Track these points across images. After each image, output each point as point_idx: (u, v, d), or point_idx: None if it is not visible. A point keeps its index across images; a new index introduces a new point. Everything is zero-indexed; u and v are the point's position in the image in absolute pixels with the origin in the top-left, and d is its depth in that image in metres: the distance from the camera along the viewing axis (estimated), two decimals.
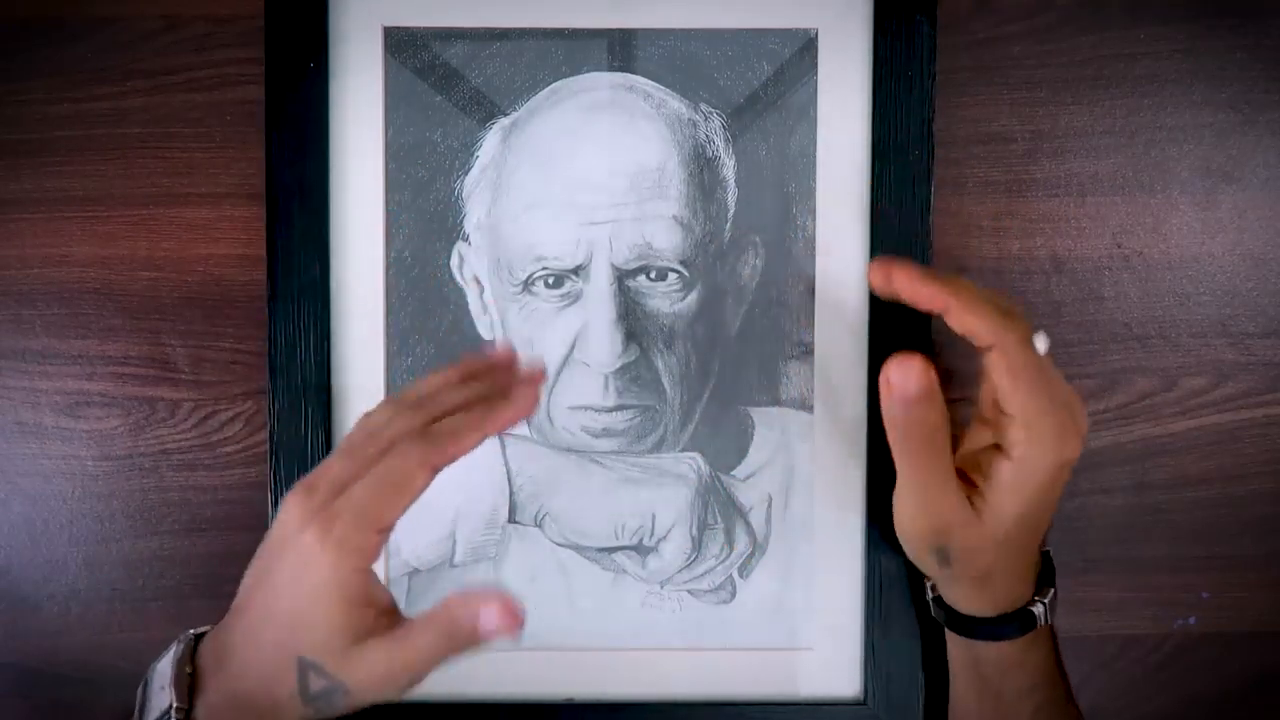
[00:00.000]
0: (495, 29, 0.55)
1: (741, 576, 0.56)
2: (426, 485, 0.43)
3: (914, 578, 0.55)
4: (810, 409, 0.56)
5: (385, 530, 0.43)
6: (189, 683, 0.44)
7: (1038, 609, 0.48)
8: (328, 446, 0.55)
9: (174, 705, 0.44)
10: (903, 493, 0.47)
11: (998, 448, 0.45)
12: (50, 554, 0.59)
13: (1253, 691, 0.61)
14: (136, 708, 0.46)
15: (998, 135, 0.57)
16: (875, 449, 0.55)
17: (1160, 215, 0.58)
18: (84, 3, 0.56)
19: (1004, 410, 0.44)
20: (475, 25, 0.55)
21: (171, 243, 0.57)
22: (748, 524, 0.56)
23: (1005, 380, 0.43)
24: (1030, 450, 0.44)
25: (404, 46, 0.55)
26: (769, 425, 0.56)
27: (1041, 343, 0.45)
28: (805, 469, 0.56)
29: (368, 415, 0.45)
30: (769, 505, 0.56)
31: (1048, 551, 0.51)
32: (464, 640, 0.43)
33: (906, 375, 0.43)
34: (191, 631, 0.46)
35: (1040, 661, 0.50)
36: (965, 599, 0.50)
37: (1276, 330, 0.58)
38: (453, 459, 0.43)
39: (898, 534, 0.49)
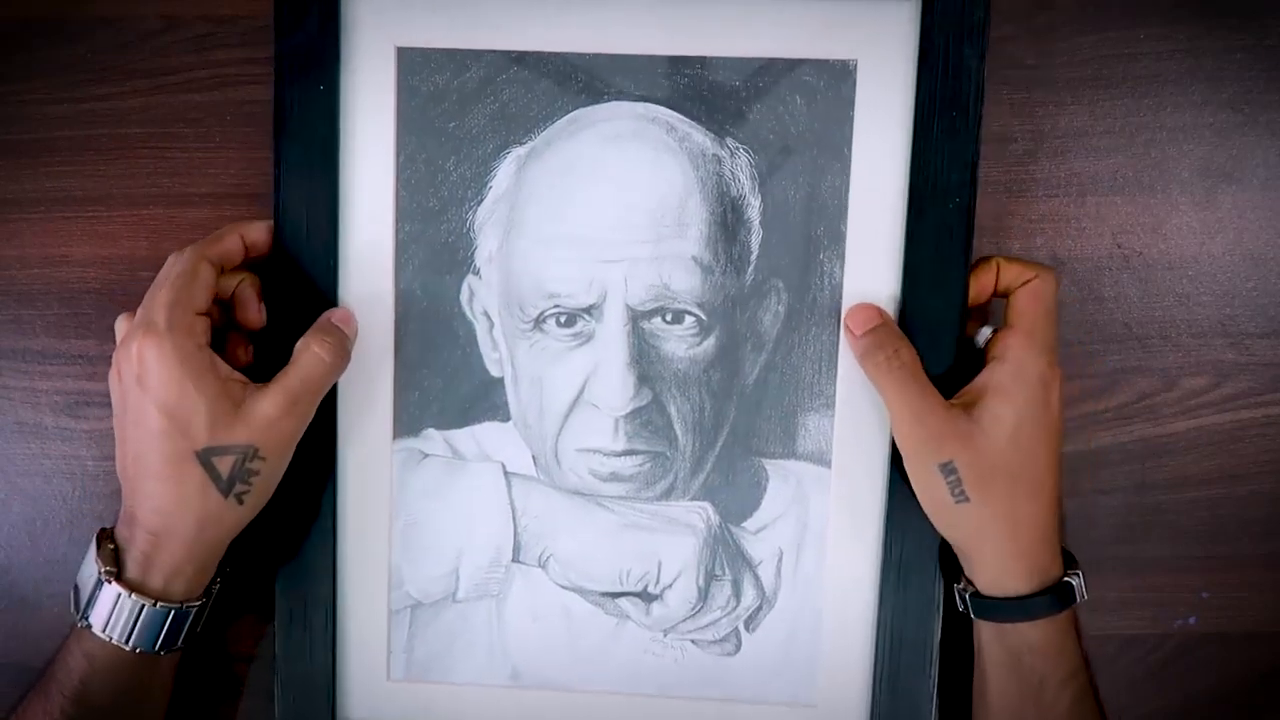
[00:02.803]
0: (513, 52, 0.52)
1: (748, 629, 0.55)
2: (211, 277, 0.49)
3: (928, 626, 0.54)
4: (828, 464, 0.54)
5: (200, 311, 0.48)
6: (112, 554, 0.48)
7: (1075, 581, 0.50)
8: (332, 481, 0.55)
9: (101, 570, 0.48)
10: (895, 415, 0.50)
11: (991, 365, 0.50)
12: (50, 554, 0.59)
13: (1253, 691, 0.61)
14: (72, 607, 0.49)
15: (998, 135, 0.57)
16: (894, 508, 0.53)
17: (1160, 215, 0.58)
18: (84, 3, 0.56)
19: (1010, 324, 0.50)
20: (492, 48, 0.52)
21: (171, 243, 0.57)
22: (756, 577, 0.55)
23: (1028, 298, 0.50)
24: (1024, 354, 0.49)
25: (417, 69, 0.52)
26: (784, 478, 0.54)
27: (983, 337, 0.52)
28: (819, 524, 0.54)
29: None
30: (779, 559, 0.55)
31: (1065, 548, 0.52)
32: (332, 335, 0.50)
33: (863, 310, 0.51)
34: (100, 529, 0.51)
35: (1074, 646, 0.50)
36: (999, 563, 0.49)
37: (1276, 330, 0.58)
38: (222, 252, 0.50)
39: (905, 463, 0.50)
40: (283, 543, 0.54)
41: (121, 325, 0.50)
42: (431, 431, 0.54)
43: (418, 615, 0.56)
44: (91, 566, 0.49)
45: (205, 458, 0.47)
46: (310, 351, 0.50)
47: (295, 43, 0.51)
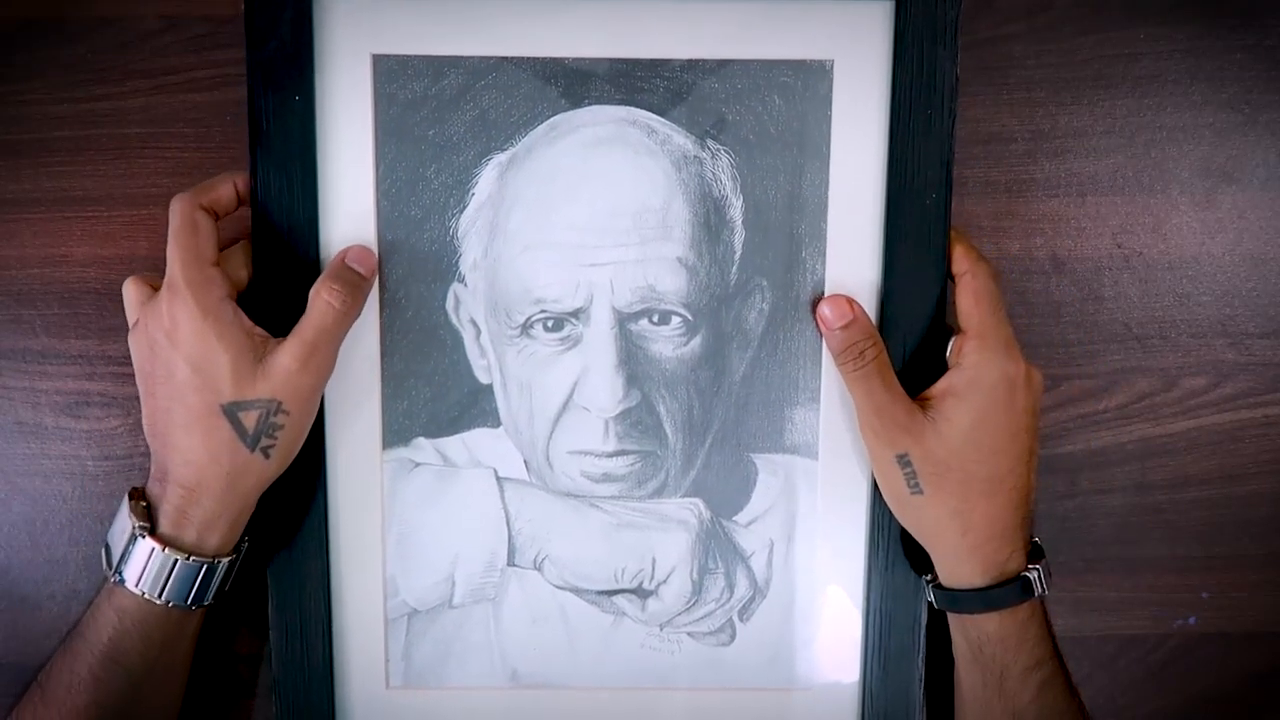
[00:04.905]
0: (491, 58, 0.51)
1: (742, 620, 0.56)
2: (210, 226, 0.50)
3: (915, 609, 0.55)
4: (815, 456, 0.55)
5: (215, 263, 0.49)
6: (144, 510, 0.49)
7: (1032, 574, 0.50)
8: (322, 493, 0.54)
9: (136, 525, 0.48)
10: (857, 407, 0.51)
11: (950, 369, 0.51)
12: (50, 554, 0.59)
13: (1253, 691, 0.61)
14: (105, 565, 0.50)
15: (998, 135, 0.57)
16: (879, 497, 0.53)
17: (1160, 215, 0.58)
18: (84, 3, 0.56)
19: (962, 329, 0.50)
20: (470, 54, 0.51)
21: None
22: (749, 568, 0.56)
23: (969, 299, 0.50)
24: (980, 358, 0.49)
25: (394, 76, 0.51)
26: (772, 472, 0.55)
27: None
28: (808, 515, 0.55)
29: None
30: (770, 550, 0.55)
31: (1036, 541, 0.52)
32: (340, 280, 0.50)
33: (836, 306, 0.51)
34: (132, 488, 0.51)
35: (1040, 636, 0.51)
36: (953, 556, 0.51)
37: (1276, 330, 0.58)
38: (216, 199, 0.50)
39: (866, 448, 0.52)
40: (276, 555, 0.54)
41: (130, 289, 0.51)
42: (422, 440, 0.54)
43: (414, 623, 0.56)
44: (125, 522, 0.49)
45: (231, 412, 0.48)
46: (320, 299, 0.50)
47: (268, 52, 0.50)
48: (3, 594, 0.60)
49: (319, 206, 0.52)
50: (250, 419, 0.48)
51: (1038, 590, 0.50)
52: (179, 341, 0.48)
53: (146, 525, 0.49)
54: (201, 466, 0.49)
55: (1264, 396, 0.59)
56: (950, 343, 0.51)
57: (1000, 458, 0.50)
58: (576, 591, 0.56)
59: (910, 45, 0.51)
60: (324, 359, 0.50)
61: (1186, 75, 0.57)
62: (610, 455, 0.54)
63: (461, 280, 0.53)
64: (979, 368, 0.49)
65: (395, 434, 0.54)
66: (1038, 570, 0.50)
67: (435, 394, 0.54)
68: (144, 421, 0.50)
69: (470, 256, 0.53)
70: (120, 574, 0.49)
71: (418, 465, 0.54)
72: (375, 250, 0.52)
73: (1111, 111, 0.57)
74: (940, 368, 0.52)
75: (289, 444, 0.50)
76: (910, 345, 0.52)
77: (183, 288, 0.48)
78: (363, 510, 0.54)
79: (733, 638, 0.56)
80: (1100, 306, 0.58)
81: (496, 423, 0.54)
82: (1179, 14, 0.56)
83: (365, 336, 0.53)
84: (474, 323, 0.54)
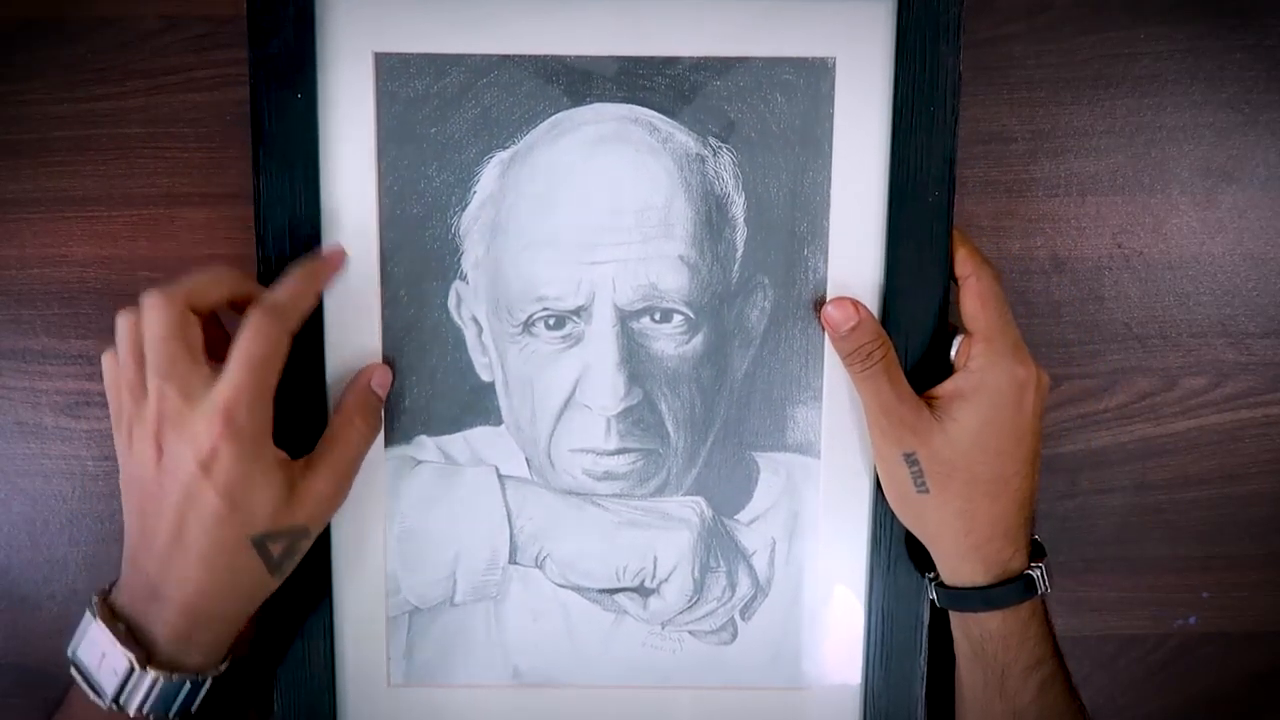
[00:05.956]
0: (493, 56, 0.51)
1: (743, 618, 0.56)
2: (288, 350, 0.47)
3: (916, 608, 0.55)
4: (817, 454, 0.54)
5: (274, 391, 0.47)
6: (127, 634, 0.46)
7: (1035, 573, 0.50)
8: None
9: (134, 660, 0.45)
10: (865, 406, 0.51)
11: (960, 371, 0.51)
12: (50, 554, 0.59)
13: (1253, 691, 0.61)
14: (90, 691, 0.46)
15: (998, 135, 0.57)
16: (881, 495, 0.53)
17: (1160, 215, 0.58)
18: (84, 3, 0.56)
19: (969, 332, 0.50)
20: (472, 52, 0.51)
21: (171, 243, 0.57)
22: (750, 567, 0.55)
23: (975, 303, 0.50)
24: (987, 361, 0.49)
25: (396, 74, 0.51)
26: (774, 470, 0.55)
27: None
28: (810, 514, 0.55)
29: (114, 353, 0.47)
30: (772, 549, 0.55)
31: (1037, 539, 0.52)
32: (369, 405, 0.51)
33: (841, 309, 0.51)
34: (95, 599, 0.47)
35: (1041, 635, 0.51)
36: (956, 554, 0.51)
37: (1276, 330, 0.58)
38: (302, 320, 0.49)
39: (873, 450, 0.52)
40: None
41: (123, 322, 0.46)
42: (424, 438, 0.54)
43: (416, 620, 0.56)
44: (114, 652, 0.45)
45: (261, 543, 0.47)
46: (352, 427, 0.50)
47: (270, 50, 0.50)
48: (3, 594, 0.60)
49: (321, 204, 0.52)
50: (278, 548, 0.47)
51: (1040, 589, 0.50)
52: (216, 472, 0.45)
53: (144, 654, 0.46)
54: (217, 595, 0.46)
55: (1264, 396, 0.59)
56: (955, 343, 0.51)
57: (1006, 459, 0.50)
58: (578, 590, 0.55)
59: (913, 42, 0.50)
60: (351, 480, 0.51)
61: (1186, 75, 0.57)
62: (612, 453, 0.54)
63: (463, 278, 0.53)
64: (987, 371, 0.49)
65: (397, 432, 0.54)
66: (1040, 569, 0.50)
67: (437, 392, 0.54)
68: (130, 539, 0.47)
69: (472, 254, 0.53)
70: (122, 705, 0.46)
71: (420, 463, 0.54)
72: (378, 265, 0.52)
73: (1111, 111, 0.57)
74: (944, 365, 0.52)
75: (302, 554, 0.49)
76: (913, 343, 0.52)
77: (244, 422, 0.45)
78: (364, 507, 0.54)
79: (734, 636, 0.56)
80: (1100, 306, 0.58)
81: (498, 421, 0.54)
82: (1179, 14, 0.56)
83: (367, 335, 0.53)
84: (476, 320, 0.53)
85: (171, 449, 0.45)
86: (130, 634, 0.46)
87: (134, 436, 0.46)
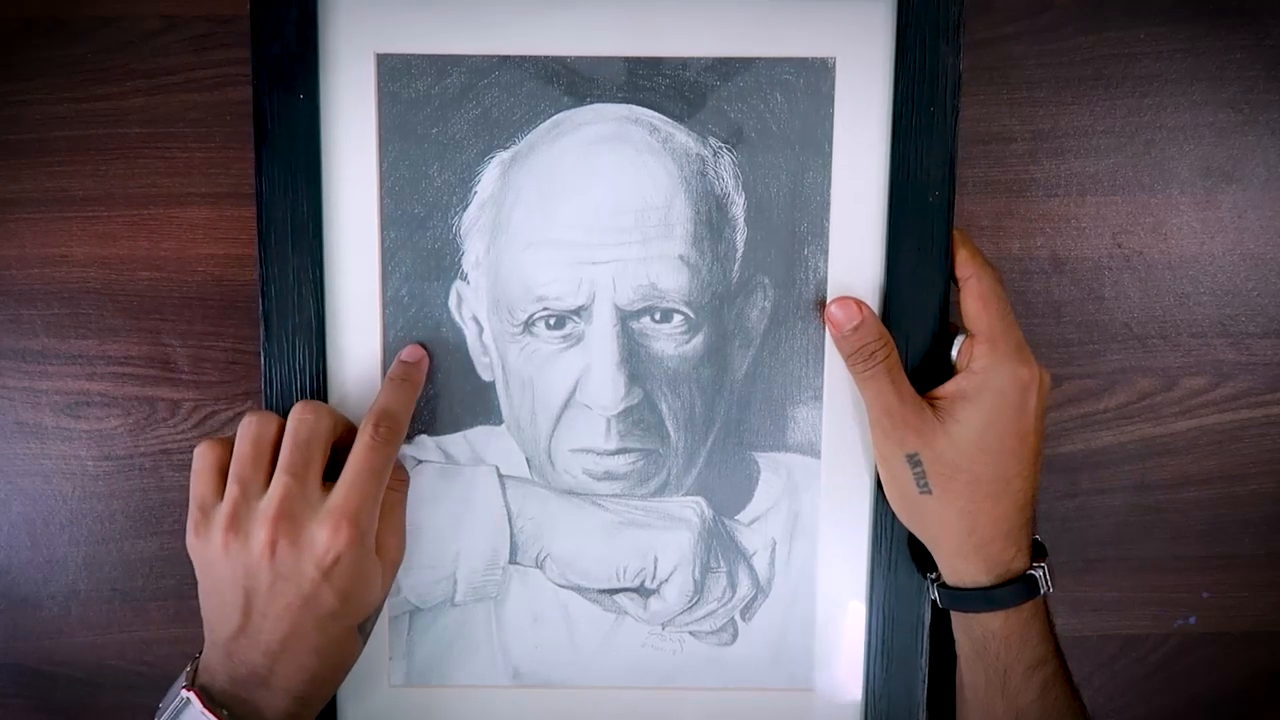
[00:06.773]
0: (494, 57, 0.51)
1: (744, 619, 0.56)
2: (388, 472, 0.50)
3: (918, 608, 0.55)
4: (817, 454, 0.54)
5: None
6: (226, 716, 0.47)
7: (1037, 573, 0.50)
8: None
9: None
10: (868, 406, 0.51)
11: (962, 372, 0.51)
12: (50, 554, 0.59)
13: (1253, 691, 0.61)
14: None
15: (998, 135, 0.57)
16: (882, 495, 0.53)
17: (1160, 215, 0.58)
18: (84, 3, 0.56)
19: (971, 333, 0.50)
20: (473, 52, 0.51)
21: (171, 243, 0.57)
22: (751, 567, 0.55)
23: (977, 304, 0.50)
24: (990, 362, 0.50)
25: (398, 75, 0.51)
26: (775, 470, 0.55)
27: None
28: (810, 514, 0.55)
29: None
30: (773, 549, 0.55)
31: (1038, 539, 0.52)
32: (401, 477, 0.53)
33: (845, 308, 0.51)
34: (182, 692, 0.47)
35: (1043, 635, 0.51)
36: (958, 555, 0.51)
37: (1276, 330, 0.59)
38: (402, 435, 0.51)
39: (875, 451, 0.52)
40: None
41: (255, 418, 0.49)
42: (424, 438, 0.54)
43: (416, 620, 0.56)
44: None
45: (364, 627, 0.51)
46: (394, 495, 0.52)
47: (273, 51, 0.50)
48: (3, 594, 0.60)
49: (322, 205, 0.52)
50: (369, 624, 0.51)
51: (1042, 588, 0.50)
52: (336, 576, 0.48)
53: None
54: (328, 680, 0.50)
55: (1264, 396, 0.59)
56: (956, 344, 0.51)
57: (1009, 460, 0.50)
58: (578, 590, 0.55)
59: (913, 41, 0.50)
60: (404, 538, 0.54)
61: (1186, 75, 0.57)
62: (612, 453, 0.54)
63: (464, 278, 0.53)
64: (990, 372, 0.49)
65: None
66: (1042, 569, 0.51)
67: (438, 391, 0.54)
68: (225, 627, 0.48)
69: (473, 254, 0.53)
70: None
71: (420, 463, 0.54)
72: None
73: (1111, 111, 0.57)
74: (944, 365, 0.52)
75: None
76: (914, 343, 0.52)
77: (365, 530, 0.48)
78: None
79: (735, 637, 0.56)
80: (1100, 306, 0.58)
81: (499, 420, 0.54)
82: (1179, 14, 0.56)
83: (368, 334, 0.53)
84: (476, 320, 0.54)
85: (287, 549, 0.47)
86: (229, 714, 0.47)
87: (240, 528, 0.47)
